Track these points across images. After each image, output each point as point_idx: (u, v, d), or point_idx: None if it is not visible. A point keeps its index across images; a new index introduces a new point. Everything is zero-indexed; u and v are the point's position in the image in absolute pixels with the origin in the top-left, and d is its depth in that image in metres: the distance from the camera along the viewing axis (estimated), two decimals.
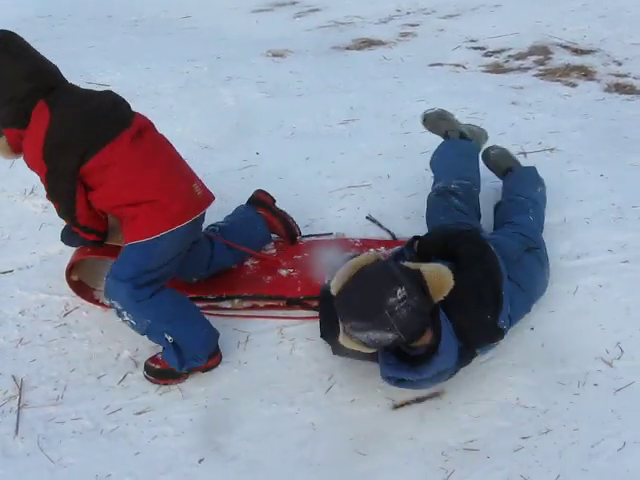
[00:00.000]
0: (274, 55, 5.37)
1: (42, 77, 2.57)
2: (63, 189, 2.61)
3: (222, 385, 2.67)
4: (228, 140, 4.08)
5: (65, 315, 3.00)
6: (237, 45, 5.60)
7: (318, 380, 2.65)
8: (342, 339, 2.31)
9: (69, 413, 2.61)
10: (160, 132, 2.83)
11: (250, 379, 2.69)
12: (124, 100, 2.75)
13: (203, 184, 2.80)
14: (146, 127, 2.71)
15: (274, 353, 2.77)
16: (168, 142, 2.80)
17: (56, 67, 2.68)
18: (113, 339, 2.88)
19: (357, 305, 2.26)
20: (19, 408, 2.62)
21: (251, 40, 5.75)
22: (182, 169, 2.76)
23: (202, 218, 2.79)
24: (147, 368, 2.70)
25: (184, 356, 2.63)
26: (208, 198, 2.77)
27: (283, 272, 3.07)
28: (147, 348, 2.80)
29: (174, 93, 4.62)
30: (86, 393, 2.69)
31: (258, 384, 2.67)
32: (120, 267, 2.60)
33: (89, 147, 2.54)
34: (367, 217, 3.37)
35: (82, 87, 2.76)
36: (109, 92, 2.76)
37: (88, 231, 2.79)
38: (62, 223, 3.38)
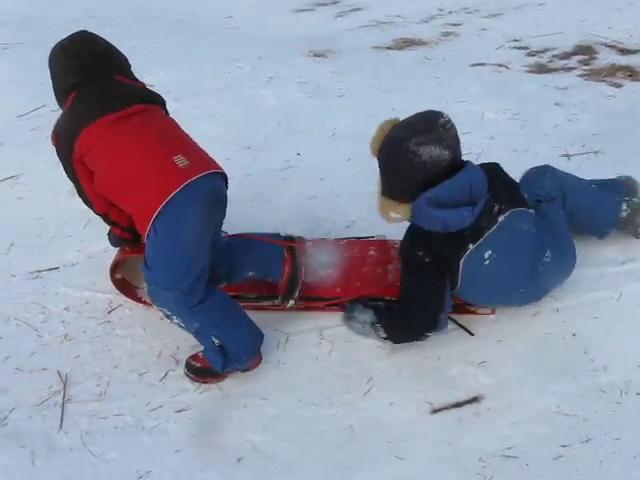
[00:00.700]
0: (315, 55, 5.39)
1: (86, 73, 2.71)
2: (68, 172, 2.76)
3: (261, 385, 2.69)
4: (269, 140, 4.11)
5: (109, 312, 3.05)
6: (279, 45, 5.63)
7: (357, 382, 2.66)
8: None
9: (112, 409, 2.65)
10: (170, 116, 2.87)
11: (289, 379, 2.70)
12: (144, 95, 2.81)
13: (197, 154, 2.73)
14: (142, 111, 2.71)
15: (314, 354, 2.79)
16: (166, 121, 2.80)
17: (111, 64, 2.79)
18: (155, 337, 2.92)
19: (417, 122, 2.54)
20: (63, 403, 2.67)
21: (293, 40, 5.77)
22: (166, 144, 2.66)
23: (210, 195, 2.67)
24: (188, 366, 2.73)
25: (228, 358, 2.66)
26: (198, 168, 2.63)
27: (322, 272, 3.02)
28: (188, 346, 2.83)
29: (216, 93, 4.66)
30: (128, 390, 2.73)
31: (297, 385, 2.68)
32: (155, 274, 2.61)
33: (73, 132, 2.64)
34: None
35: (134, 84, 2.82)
36: (133, 87, 2.81)
37: (110, 223, 2.88)
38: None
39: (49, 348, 2.92)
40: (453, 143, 2.51)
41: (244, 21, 6.40)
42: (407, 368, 2.69)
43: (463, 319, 2.84)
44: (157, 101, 2.84)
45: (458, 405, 2.55)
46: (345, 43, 5.68)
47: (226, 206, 2.81)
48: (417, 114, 2.58)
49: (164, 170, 2.58)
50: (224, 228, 3.30)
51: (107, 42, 2.83)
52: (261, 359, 2.74)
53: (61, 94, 2.77)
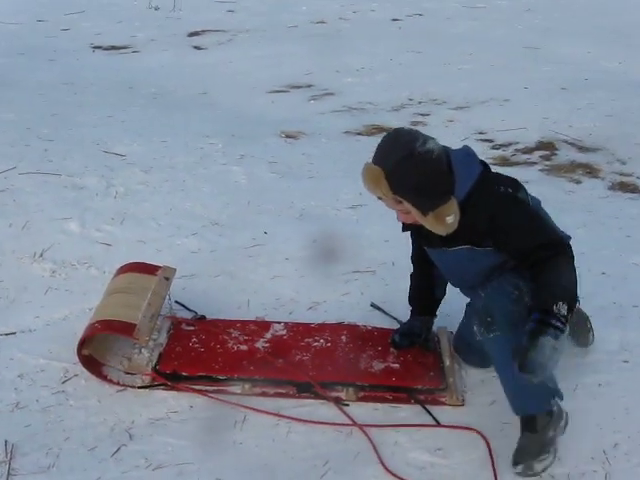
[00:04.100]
0: (287, 136, 5.51)
1: None
2: None
3: (216, 464, 2.64)
4: (238, 218, 4.16)
5: (64, 382, 2.99)
6: (252, 124, 5.75)
7: (313, 466, 2.62)
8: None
9: None
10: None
11: (245, 460, 2.66)
12: None
13: None
14: None
15: (270, 435, 2.75)
16: None
17: None
18: (110, 410, 2.86)
19: (397, 137, 2.55)
20: (8, 475, 2.58)
21: (266, 120, 5.90)
22: None
23: None
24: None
25: None
26: None
27: (296, 356, 3.04)
28: (144, 421, 2.79)
29: (188, 168, 4.73)
30: (78, 463, 2.65)
31: (252, 466, 2.64)
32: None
33: None
34: (372, 305, 3.40)
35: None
36: None
37: None
38: (66, 289, 3.46)
39: None
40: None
41: (219, 98, 6.52)
42: (364, 452, 2.67)
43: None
44: None
45: None
46: (317, 126, 5.82)
47: None
48: (384, 140, 2.58)
49: None
50: (190, 305, 3.34)
51: None
52: None
53: None
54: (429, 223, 2.54)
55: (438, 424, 2.79)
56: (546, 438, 2.55)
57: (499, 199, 2.53)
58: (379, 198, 2.59)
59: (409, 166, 2.45)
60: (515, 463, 2.56)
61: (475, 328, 2.61)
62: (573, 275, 2.46)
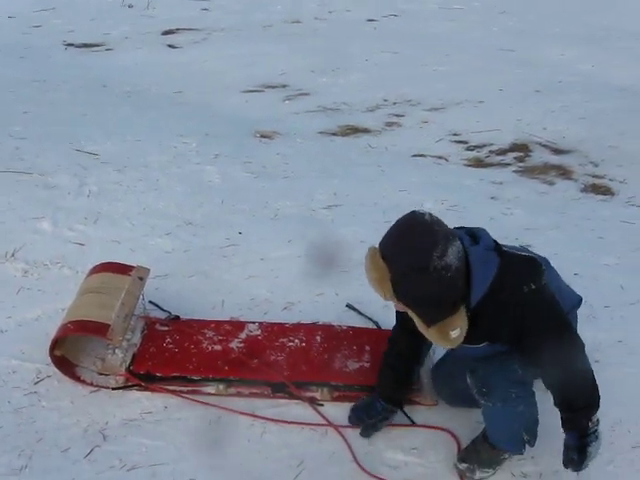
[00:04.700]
0: (262, 136, 5.50)
1: None
2: None
3: (190, 465, 2.63)
4: (212, 218, 4.14)
5: (36, 383, 2.96)
6: (226, 123, 5.73)
7: (288, 466, 2.63)
8: None
9: None
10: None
11: (219, 460, 2.65)
12: None
13: None
14: None
15: (245, 436, 2.75)
16: None
17: None
18: (83, 411, 2.84)
19: (411, 234, 2.23)
20: None
21: (240, 119, 5.89)
22: None
23: None
24: None
25: None
26: None
27: (270, 356, 3.03)
28: (118, 421, 2.77)
29: (161, 167, 4.70)
30: (51, 465, 2.63)
31: (227, 466, 2.63)
32: None
33: None
34: (347, 305, 3.40)
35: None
36: None
37: None
38: (38, 288, 3.41)
39: None
40: (445, 226, 2.26)
41: (193, 97, 6.51)
42: (339, 453, 2.68)
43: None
44: None
45: None
46: (291, 126, 5.82)
47: None
48: (398, 229, 2.26)
49: None
50: (164, 306, 3.32)
51: None
52: None
53: None
54: (431, 336, 2.31)
55: (413, 423, 2.81)
56: (499, 459, 2.61)
57: (521, 307, 2.30)
58: None
59: (420, 281, 2.18)
60: (462, 460, 2.61)
61: (468, 381, 2.51)
62: (590, 374, 2.41)
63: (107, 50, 7.92)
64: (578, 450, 2.39)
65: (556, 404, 2.41)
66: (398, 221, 2.27)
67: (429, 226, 2.21)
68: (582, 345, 2.39)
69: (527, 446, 2.57)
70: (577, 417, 2.40)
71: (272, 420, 2.80)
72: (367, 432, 2.75)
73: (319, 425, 2.79)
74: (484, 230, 2.41)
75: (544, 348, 2.32)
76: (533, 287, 2.31)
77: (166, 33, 8.52)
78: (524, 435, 2.52)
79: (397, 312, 2.62)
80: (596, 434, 2.40)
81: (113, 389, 2.92)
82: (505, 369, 2.43)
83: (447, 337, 2.28)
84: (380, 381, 2.80)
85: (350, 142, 5.54)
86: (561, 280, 2.64)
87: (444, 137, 5.69)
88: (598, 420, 2.41)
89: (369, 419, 2.76)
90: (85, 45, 8.02)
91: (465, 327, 2.28)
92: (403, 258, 2.19)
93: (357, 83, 6.94)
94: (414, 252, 2.18)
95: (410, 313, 2.29)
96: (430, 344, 2.75)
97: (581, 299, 2.68)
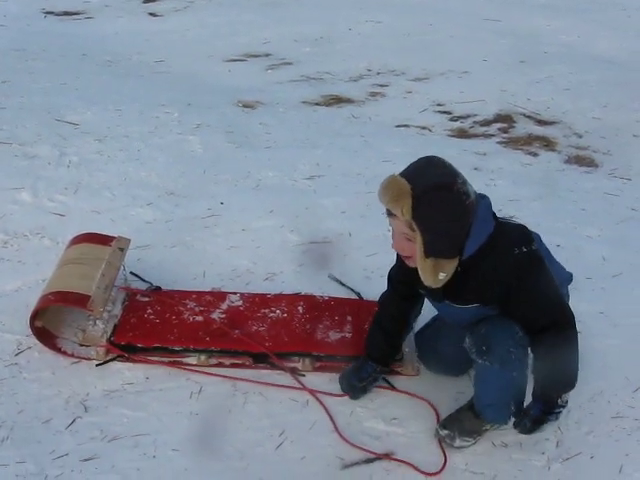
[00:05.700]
0: (244, 106, 5.45)
1: None
2: None
3: (172, 435, 2.63)
4: (193, 188, 4.11)
5: (17, 355, 2.94)
6: (208, 93, 5.67)
7: (269, 436, 2.64)
8: None
9: (13, 456, 2.54)
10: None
11: (201, 431, 2.65)
12: None
13: None
14: None
15: (226, 406, 2.75)
16: None
17: None
18: (64, 382, 2.83)
19: (436, 165, 2.29)
20: None
21: (222, 89, 5.83)
22: None
23: None
24: None
25: None
26: None
27: (252, 327, 3.03)
28: (99, 393, 2.76)
29: (143, 137, 4.65)
30: (33, 436, 2.62)
31: (209, 436, 2.64)
32: None
33: None
34: (329, 276, 3.39)
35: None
36: None
37: None
38: (18, 260, 3.38)
39: None
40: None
41: (175, 66, 6.42)
42: (320, 422, 2.69)
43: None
44: None
45: (369, 461, 2.55)
46: (274, 96, 5.76)
47: None
48: (421, 160, 2.31)
49: None
50: (145, 276, 3.30)
51: None
52: None
53: None
54: (423, 267, 2.32)
55: (393, 388, 2.83)
56: (481, 429, 2.63)
57: (512, 266, 2.34)
58: (388, 214, 2.32)
59: (443, 198, 2.23)
60: (443, 426, 2.63)
61: (467, 342, 2.50)
62: (577, 356, 2.43)
63: (87, 18, 7.78)
64: (535, 421, 2.50)
65: (532, 370, 2.46)
66: (418, 159, 2.33)
67: (448, 162, 2.30)
68: (572, 315, 2.42)
69: (512, 418, 2.58)
70: (549, 389, 2.45)
71: (256, 382, 2.81)
72: (357, 395, 2.79)
73: (299, 389, 2.81)
74: (486, 195, 2.42)
75: (532, 308, 2.37)
76: (524, 250, 2.36)
77: (147, 1, 8.39)
78: (512, 405, 2.53)
79: (394, 281, 2.71)
80: (557, 415, 2.49)
81: (97, 365, 2.90)
82: (507, 329, 2.43)
83: (436, 275, 2.32)
84: (370, 342, 2.83)
85: (333, 112, 5.49)
86: (552, 257, 2.66)
87: (428, 107, 5.66)
88: (567, 402, 2.47)
89: (360, 383, 2.78)
90: (65, 13, 7.88)
91: (449, 276, 2.33)
92: (429, 176, 2.25)
93: (341, 53, 6.87)
94: (439, 173, 2.26)
95: (416, 237, 2.28)
96: (418, 312, 2.81)
97: (571, 275, 2.71)
